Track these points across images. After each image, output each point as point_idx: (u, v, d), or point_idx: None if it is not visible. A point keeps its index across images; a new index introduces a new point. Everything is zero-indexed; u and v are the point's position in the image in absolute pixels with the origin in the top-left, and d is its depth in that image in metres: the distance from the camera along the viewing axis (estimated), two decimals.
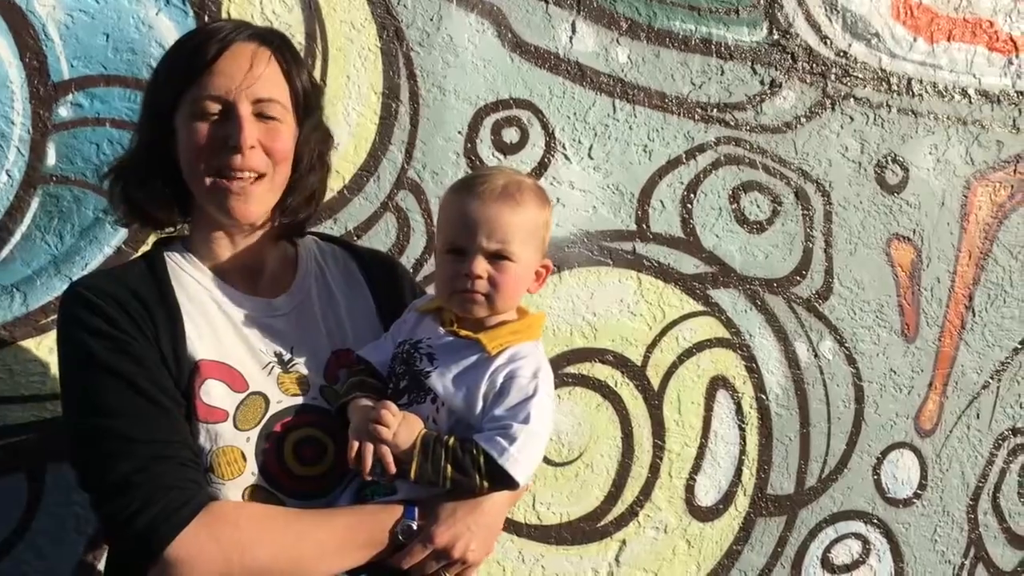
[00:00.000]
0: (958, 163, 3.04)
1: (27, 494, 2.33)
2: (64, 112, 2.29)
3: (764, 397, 2.96)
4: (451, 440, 1.69)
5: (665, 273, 2.83)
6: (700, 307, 2.87)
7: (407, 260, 2.57)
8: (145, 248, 2.10)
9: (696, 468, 2.92)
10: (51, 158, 2.30)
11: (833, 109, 2.92)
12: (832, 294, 2.98)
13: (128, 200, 1.82)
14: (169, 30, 2.33)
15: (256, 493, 1.71)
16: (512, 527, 2.76)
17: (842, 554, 3.10)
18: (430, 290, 2.15)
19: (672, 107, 2.78)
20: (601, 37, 2.71)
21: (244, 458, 1.70)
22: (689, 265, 2.84)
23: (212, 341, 1.75)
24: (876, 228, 2.99)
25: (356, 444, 1.68)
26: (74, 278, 1.86)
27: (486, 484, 1.69)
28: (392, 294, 2.00)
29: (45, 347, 2.30)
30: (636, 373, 2.84)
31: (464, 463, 1.68)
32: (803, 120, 2.89)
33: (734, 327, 2.91)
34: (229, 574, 1.62)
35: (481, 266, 1.74)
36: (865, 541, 3.11)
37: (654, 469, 2.88)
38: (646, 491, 2.88)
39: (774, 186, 2.90)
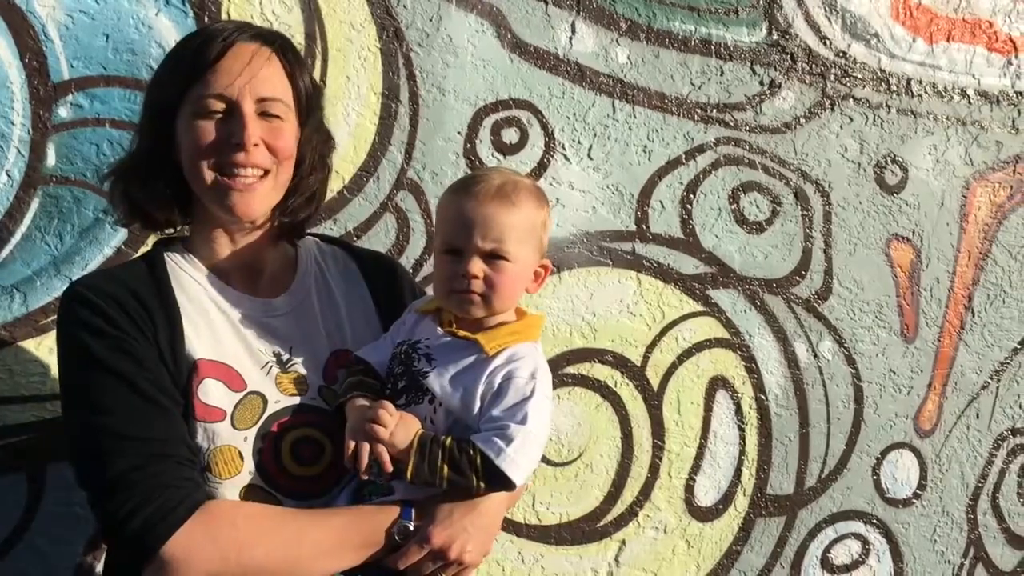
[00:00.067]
0: (957, 163, 3.05)
1: (27, 494, 2.33)
2: (64, 113, 2.30)
3: (764, 397, 2.96)
4: (448, 440, 1.69)
5: (665, 273, 2.83)
6: (700, 307, 2.88)
7: (407, 261, 2.57)
8: (145, 248, 2.10)
9: (696, 468, 2.92)
10: (51, 159, 2.30)
11: (832, 109, 2.92)
12: (831, 294, 2.98)
13: (129, 200, 1.82)
14: (169, 31, 2.33)
15: (253, 493, 1.71)
16: (512, 527, 2.76)
17: (842, 554, 3.10)
18: (430, 291, 2.15)
19: (672, 107, 2.79)
20: (601, 37, 2.71)
21: (241, 457, 1.70)
22: (689, 265, 2.85)
23: (211, 341, 1.76)
24: (875, 228, 2.99)
25: (352, 443, 1.68)
26: (74, 278, 1.86)
27: (483, 485, 1.69)
28: (392, 295, 2.00)
29: (45, 347, 2.30)
30: (636, 373, 2.84)
31: (461, 463, 1.68)
32: (802, 120, 2.90)
33: (733, 327, 2.91)
34: (225, 573, 1.62)
35: (477, 266, 1.74)
36: (865, 541, 3.12)
37: (654, 469, 2.88)
38: (646, 491, 2.88)
39: (773, 186, 2.90)
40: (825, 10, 2.88)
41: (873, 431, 3.07)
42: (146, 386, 1.65)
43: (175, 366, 1.70)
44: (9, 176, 2.27)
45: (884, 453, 3.09)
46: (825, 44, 2.89)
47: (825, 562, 3.08)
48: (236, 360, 1.76)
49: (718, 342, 2.90)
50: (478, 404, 1.72)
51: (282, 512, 1.71)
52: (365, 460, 1.67)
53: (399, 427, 1.68)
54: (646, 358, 2.84)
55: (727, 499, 2.96)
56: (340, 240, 2.17)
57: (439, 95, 2.58)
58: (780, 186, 2.91)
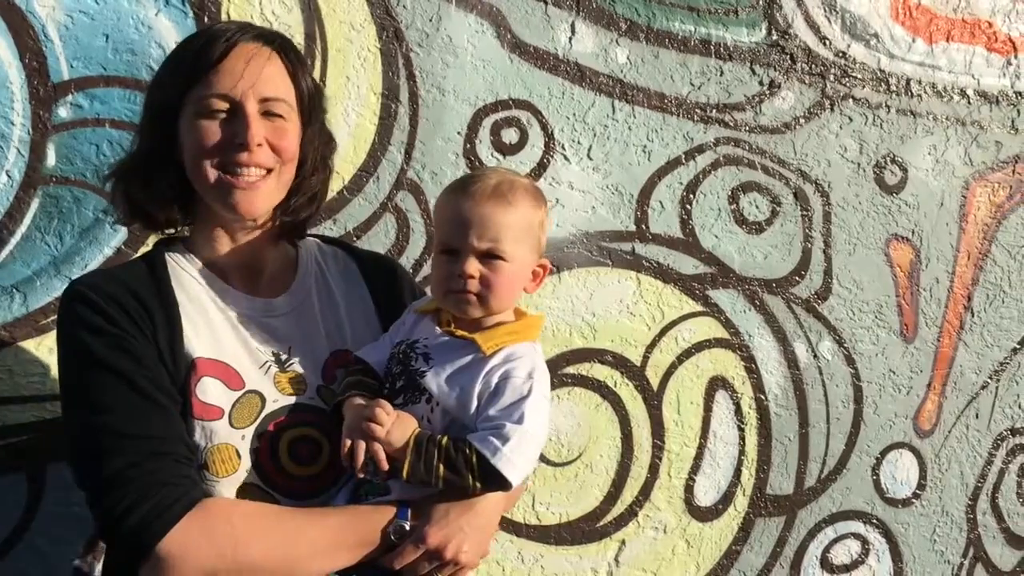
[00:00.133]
0: (957, 163, 3.05)
1: (27, 494, 2.33)
2: (64, 113, 2.30)
3: (763, 397, 2.96)
4: (444, 440, 1.69)
5: (664, 273, 2.83)
6: (699, 307, 2.88)
7: (406, 261, 2.57)
8: (145, 248, 2.10)
9: (695, 468, 2.92)
10: (51, 159, 2.30)
11: (832, 110, 2.92)
12: (831, 294, 2.98)
13: (130, 200, 1.83)
14: (169, 31, 2.33)
15: (250, 491, 1.71)
16: (511, 527, 2.76)
17: (841, 554, 3.10)
18: (430, 291, 2.15)
19: (671, 108, 2.79)
20: (600, 38, 2.71)
21: (238, 456, 1.70)
22: (688, 266, 2.85)
23: (210, 339, 1.76)
24: (875, 228, 2.99)
25: (349, 442, 1.68)
26: (74, 278, 1.87)
27: (479, 485, 1.69)
28: (392, 295, 2.00)
29: (45, 347, 2.30)
30: (635, 373, 2.84)
31: (457, 463, 1.67)
32: (802, 121, 2.90)
33: (733, 327, 2.91)
34: (221, 570, 1.62)
35: (473, 266, 1.74)
36: (864, 541, 3.12)
37: (653, 469, 2.88)
38: (645, 491, 2.88)
39: (773, 187, 2.90)
40: (825, 10, 2.88)
41: (873, 431, 3.07)
42: (145, 384, 1.65)
43: (174, 365, 1.70)
44: (9, 176, 2.27)
45: (884, 453, 3.09)
46: (825, 44, 2.90)
47: (825, 562, 3.09)
48: (235, 359, 1.77)
49: (718, 342, 2.90)
50: (475, 403, 1.72)
51: (279, 511, 1.71)
52: (361, 458, 1.67)
53: (395, 426, 1.68)
54: (646, 358, 2.85)
55: (727, 499, 2.96)
56: (340, 241, 2.17)
57: (439, 95, 2.59)
58: (780, 186, 2.91)
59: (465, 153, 2.62)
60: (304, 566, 1.67)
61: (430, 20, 2.56)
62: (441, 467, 1.67)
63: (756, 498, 2.98)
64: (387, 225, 2.58)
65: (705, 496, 2.94)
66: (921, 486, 3.14)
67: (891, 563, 3.14)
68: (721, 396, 2.92)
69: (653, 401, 2.87)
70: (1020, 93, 3.09)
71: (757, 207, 2.90)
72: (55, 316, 1.99)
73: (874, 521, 3.11)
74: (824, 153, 2.93)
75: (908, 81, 2.98)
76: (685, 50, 2.78)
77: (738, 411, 2.94)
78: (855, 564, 3.12)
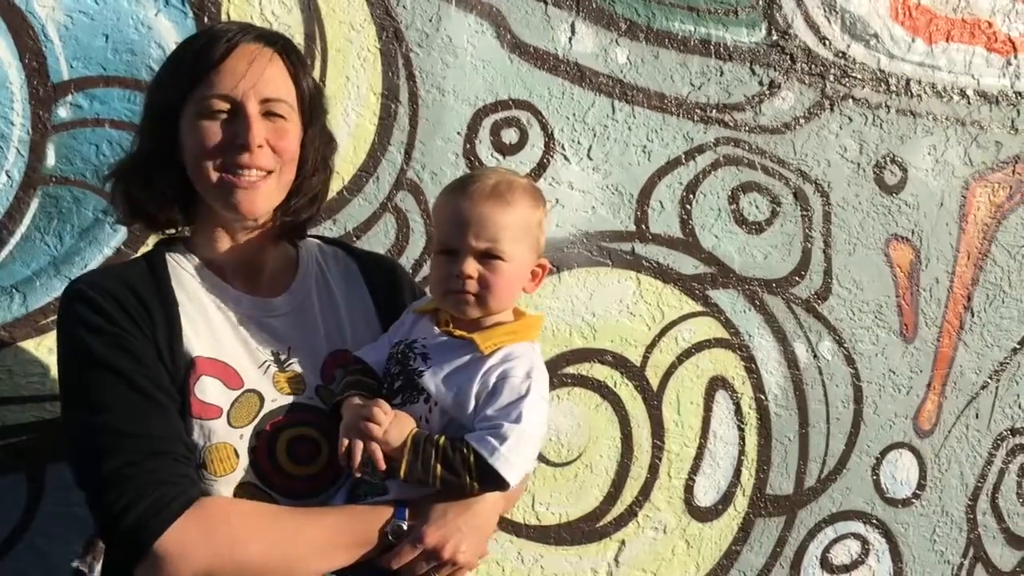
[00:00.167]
0: (957, 164, 3.05)
1: (27, 494, 2.33)
2: (63, 113, 2.30)
3: (763, 397, 2.96)
4: (441, 439, 1.69)
5: (664, 274, 2.83)
6: (699, 307, 2.88)
7: (406, 261, 2.57)
8: (145, 249, 2.11)
9: (695, 468, 2.92)
10: (50, 159, 2.30)
11: (832, 110, 2.92)
12: (831, 295, 2.98)
13: (131, 201, 1.83)
14: (168, 31, 2.33)
15: (248, 491, 1.71)
16: (511, 527, 2.76)
17: (841, 554, 3.10)
18: (429, 291, 2.15)
19: (671, 108, 2.79)
20: (600, 38, 2.71)
21: (237, 455, 1.70)
22: (688, 266, 2.85)
23: (209, 338, 1.76)
24: (875, 229, 2.99)
25: (346, 441, 1.68)
26: (74, 277, 1.87)
27: (476, 484, 1.69)
28: (392, 296, 2.00)
29: (45, 348, 2.30)
30: (635, 373, 2.84)
31: (454, 462, 1.67)
32: (802, 121, 2.90)
33: (733, 327, 2.91)
34: (218, 569, 1.62)
35: (471, 266, 1.74)
36: (864, 541, 3.12)
37: (653, 469, 2.88)
38: (645, 491, 2.88)
39: (773, 187, 2.90)
40: (824, 10, 2.88)
41: (872, 431, 3.07)
42: (144, 383, 1.65)
43: (173, 364, 1.70)
44: (9, 176, 2.28)
45: (883, 453, 3.09)
46: (824, 44, 2.90)
47: (825, 562, 3.09)
48: (234, 358, 1.77)
49: (718, 342, 2.90)
50: (472, 403, 1.71)
51: (276, 510, 1.71)
52: (358, 457, 1.66)
53: (393, 425, 1.68)
54: (646, 358, 2.85)
55: (727, 499, 2.96)
56: (341, 241, 2.17)
57: (439, 95, 2.59)
58: (779, 186, 2.91)
59: (465, 153, 2.62)
60: (301, 565, 1.67)
61: (430, 20, 2.56)
62: (438, 467, 1.67)
63: (756, 498, 2.98)
64: (387, 225, 2.58)
65: (705, 496, 2.94)
66: (921, 486, 3.14)
67: (891, 563, 3.14)
68: (721, 396, 2.92)
69: (653, 401, 2.87)
70: (1020, 93, 3.09)
71: (757, 207, 2.90)
72: (55, 316, 1.99)
73: (874, 521, 3.11)
74: (824, 153, 2.93)
75: (908, 81, 2.98)
76: (685, 50, 2.78)
77: (738, 411, 2.94)
78: (855, 564, 3.12)
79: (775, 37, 2.85)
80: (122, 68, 2.32)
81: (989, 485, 3.22)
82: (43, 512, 2.34)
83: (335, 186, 2.47)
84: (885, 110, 2.97)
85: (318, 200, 1.92)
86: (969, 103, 3.04)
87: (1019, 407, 3.22)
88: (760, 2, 2.82)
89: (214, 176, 1.74)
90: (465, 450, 1.68)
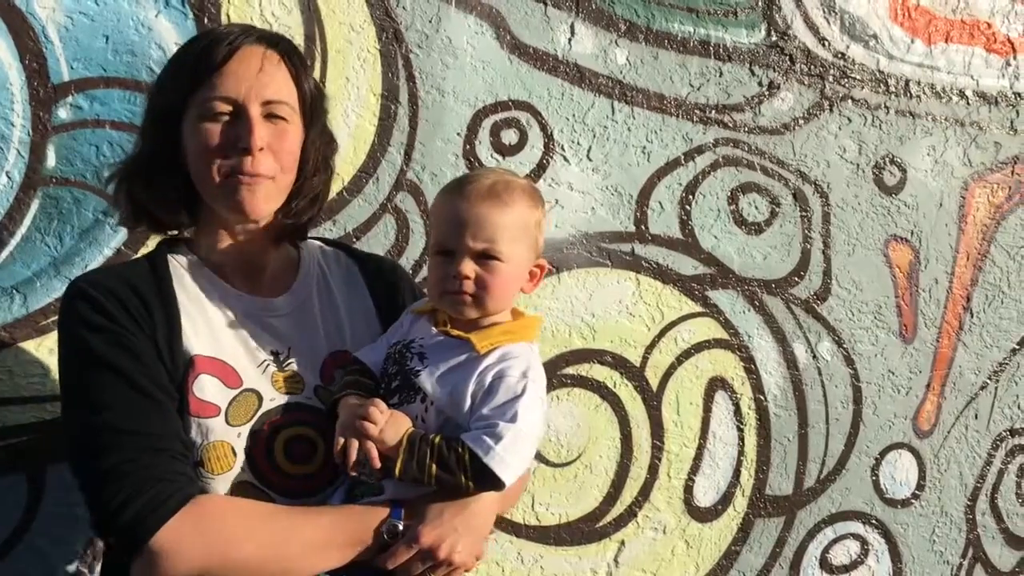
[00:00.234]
0: (956, 164, 3.05)
1: (27, 495, 2.33)
2: (64, 114, 2.30)
3: (763, 398, 2.96)
4: (437, 439, 1.69)
5: (664, 274, 2.83)
6: (699, 308, 2.88)
7: (406, 261, 2.57)
8: (145, 250, 2.11)
9: (695, 469, 2.92)
10: (51, 160, 2.30)
11: (831, 110, 2.93)
12: (830, 295, 2.98)
13: (135, 203, 1.84)
14: (168, 32, 2.34)
15: (246, 489, 1.72)
16: (511, 528, 2.76)
17: (840, 554, 3.10)
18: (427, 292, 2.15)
19: (671, 109, 2.79)
20: (600, 39, 2.71)
21: (234, 453, 1.71)
22: (687, 266, 2.85)
23: (208, 337, 1.77)
24: (874, 229, 3.00)
25: (342, 440, 1.68)
26: (76, 276, 1.87)
27: (471, 484, 1.68)
28: (392, 297, 2.00)
29: (45, 348, 2.31)
30: (635, 374, 2.84)
31: (449, 461, 1.67)
32: (801, 122, 2.90)
33: (732, 328, 2.91)
34: (213, 567, 1.62)
35: (468, 267, 1.73)
36: (863, 541, 3.12)
37: (653, 470, 2.88)
38: (645, 492, 2.88)
39: (772, 187, 2.90)
40: (824, 11, 2.89)
41: (872, 432, 3.07)
42: (144, 382, 1.66)
43: (172, 362, 1.71)
44: (9, 177, 2.28)
45: (883, 453, 3.09)
46: (824, 45, 2.90)
47: (824, 562, 3.09)
48: (233, 357, 1.77)
49: (717, 343, 2.90)
50: (468, 402, 1.71)
51: (272, 508, 1.71)
52: (353, 456, 1.66)
53: (389, 425, 1.68)
54: (645, 359, 2.85)
55: (726, 500, 2.96)
56: (342, 243, 2.18)
57: (438, 96, 2.59)
58: (779, 187, 2.91)
59: (465, 154, 2.63)
60: (296, 564, 1.67)
61: (429, 21, 2.56)
62: (433, 466, 1.67)
63: (755, 499, 2.98)
64: (386, 226, 2.58)
65: (704, 497, 2.94)
66: (920, 486, 3.14)
67: (890, 563, 3.14)
68: (720, 397, 2.93)
69: (652, 402, 2.87)
70: (1019, 94, 3.09)
71: (756, 208, 2.90)
72: (55, 317, 2.00)
73: (873, 521, 3.11)
74: (823, 154, 2.93)
75: (907, 82, 2.98)
76: (684, 51, 2.78)
77: (737, 412, 2.94)
78: (854, 564, 3.12)
79: (774, 38, 2.85)
80: (122, 69, 2.32)
81: (988, 485, 3.22)
82: (43, 513, 2.34)
83: (335, 187, 2.48)
84: (884, 111, 2.97)
85: (319, 201, 1.93)
86: (968, 104, 3.04)
87: (1018, 408, 3.22)
88: (759, 3, 2.82)
89: (216, 178, 1.75)
90: (460, 449, 1.67)
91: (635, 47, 2.74)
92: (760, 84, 2.85)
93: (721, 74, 2.81)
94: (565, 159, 2.72)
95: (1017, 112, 3.09)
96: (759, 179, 2.89)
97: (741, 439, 2.95)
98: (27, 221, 2.30)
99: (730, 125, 2.84)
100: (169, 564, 1.59)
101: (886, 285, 3.03)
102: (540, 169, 2.70)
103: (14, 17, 2.24)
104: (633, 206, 2.79)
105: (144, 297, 1.72)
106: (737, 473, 2.96)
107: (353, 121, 2.52)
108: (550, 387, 2.72)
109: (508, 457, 1.67)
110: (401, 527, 1.70)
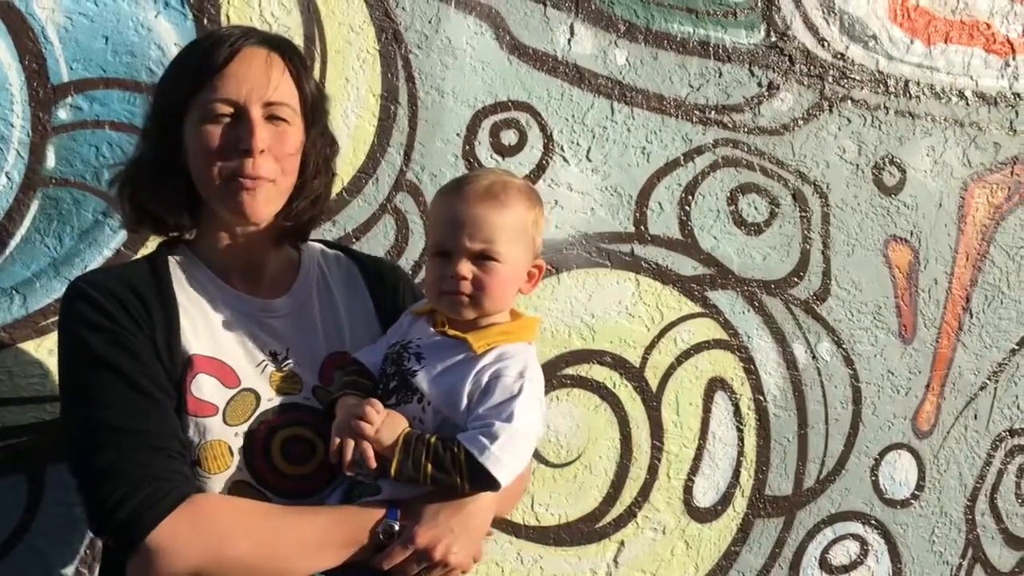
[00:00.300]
0: (955, 165, 3.05)
1: (27, 495, 2.33)
2: (63, 115, 2.30)
3: (762, 398, 2.96)
4: (433, 439, 1.68)
5: (663, 275, 2.83)
6: (698, 309, 2.88)
7: (405, 262, 2.57)
8: (145, 251, 2.11)
9: (694, 469, 2.92)
10: (50, 161, 2.30)
11: (831, 111, 2.93)
12: (830, 296, 2.98)
13: (137, 206, 1.84)
14: (168, 33, 2.34)
15: (242, 489, 1.72)
16: (511, 528, 2.76)
17: (840, 555, 3.10)
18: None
19: (670, 109, 2.79)
20: (599, 39, 2.71)
21: (231, 453, 1.71)
22: (687, 267, 2.85)
23: (207, 337, 1.77)
24: (874, 230, 3.00)
25: (338, 440, 1.68)
26: (76, 276, 1.88)
27: (467, 484, 1.68)
28: (392, 299, 2.00)
29: (45, 349, 2.31)
30: (634, 374, 2.84)
31: (444, 461, 1.66)
32: (801, 122, 2.90)
33: (732, 329, 2.91)
34: (208, 565, 1.62)
35: (466, 267, 1.73)
36: (863, 542, 3.12)
37: (652, 470, 2.88)
38: (644, 492, 2.88)
39: (772, 188, 2.91)
40: (823, 12, 2.89)
41: (871, 432, 3.07)
42: (143, 381, 1.66)
43: (170, 362, 1.71)
44: (9, 178, 2.28)
45: (882, 454, 3.09)
46: (823, 46, 2.90)
47: (824, 563, 3.09)
48: (231, 357, 1.78)
49: (717, 343, 2.90)
50: (465, 402, 1.71)
51: (267, 508, 1.71)
52: (349, 456, 1.67)
53: (385, 424, 1.68)
54: (645, 359, 2.85)
55: (726, 500, 2.96)
56: (342, 245, 2.18)
57: (438, 97, 2.59)
58: (778, 187, 2.91)
59: (464, 155, 2.63)
60: (292, 564, 1.67)
61: (429, 22, 2.56)
62: (429, 465, 1.67)
63: (755, 499, 2.98)
64: (386, 227, 2.58)
65: (704, 497, 2.94)
66: (920, 487, 3.14)
67: (890, 564, 3.14)
68: (720, 397, 2.93)
69: (652, 402, 2.87)
70: (1018, 94, 3.09)
71: (756, 208, 2.90)
72: (55, 318, 2.00)
73: (873, 522, 3.11)
74: (823, 154, 2.93)
75: (906, 82, 2.98)
76: (684, 52, 2.78)
77: (737, 412, 2.94)
78: (854, 565, 3.12)
79: (774, 38, 2.85)
80: (122, 70, 2.32)
81: (988, 486, 3.22)
82: (43, 513, 2.34)
83: (334, 188, 2.48)
84: (884, 111, 2.97)
85: (320, 202, 1.93)
86: (967, 104, 3.05)
87: (1018, 408, 3.22)
88: (759, 4, 2.82)
89: (217, 180, 1.75)
90: (456, 449, 1.67)
91: (635, 48, 2.74)
92: (759, 85, 2.85)
93: (720, 75, 2.81)
94: (564, 160, 2.72)
95: (1016, 112, 3.09)
96: (759, 180, 2.89)
97: (741, 439, 2.95)
98: (27, 222, 2.30)
99: (729, 126, 2.84)
100: (165, 562, 1.59)
101: (885, 285, 3.03)
102: (539, 170, 2.70)
103: (14, 17, 2.24)
104: (632, 207, 2.79)
105: (143, 297, 1.73)
106: (737, 473, 2.96)
107: (352, 122, 2.53)
108: (550, 388, 2.73)
109: (504, 457, 1.67)
110: (397, 527, 1.70)
